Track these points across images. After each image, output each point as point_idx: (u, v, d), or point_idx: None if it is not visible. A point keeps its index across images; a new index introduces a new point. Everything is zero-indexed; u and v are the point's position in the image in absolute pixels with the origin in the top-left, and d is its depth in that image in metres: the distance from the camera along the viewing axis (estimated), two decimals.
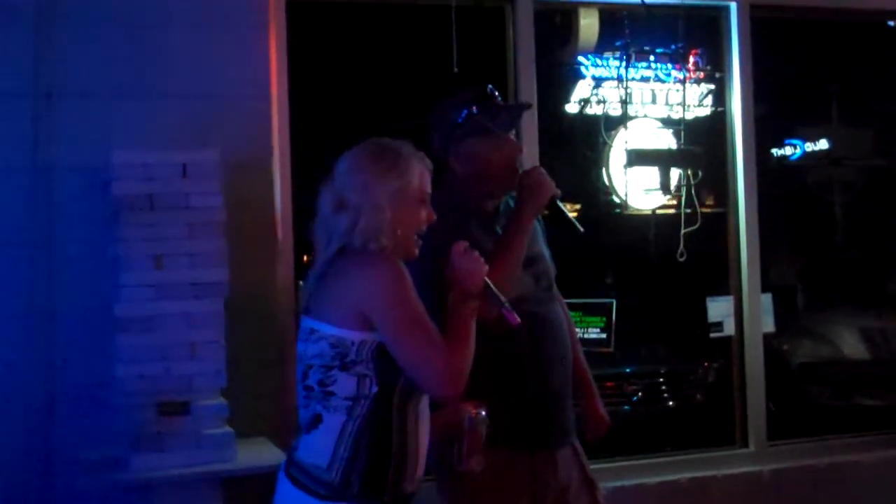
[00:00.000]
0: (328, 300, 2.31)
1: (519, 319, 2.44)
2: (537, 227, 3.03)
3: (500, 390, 2.82)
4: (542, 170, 2.90)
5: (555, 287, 3.09)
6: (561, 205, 2.90)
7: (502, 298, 2.44)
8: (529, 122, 4.16)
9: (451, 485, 2.91)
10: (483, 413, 2.52)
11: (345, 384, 2.28)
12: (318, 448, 2.29)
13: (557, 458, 2.93)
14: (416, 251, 2.42)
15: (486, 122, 2.89)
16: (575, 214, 3.06)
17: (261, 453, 3.31)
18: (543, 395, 2.89)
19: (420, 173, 2.40)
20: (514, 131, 2.98)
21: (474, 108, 2.91)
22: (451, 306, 2.38)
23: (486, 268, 2.42)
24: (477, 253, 2.42)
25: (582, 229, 2.94)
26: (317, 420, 2.30)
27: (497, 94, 2.98)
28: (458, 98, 2.94)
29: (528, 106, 3.36)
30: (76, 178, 3.45)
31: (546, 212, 2.92)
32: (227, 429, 3.28)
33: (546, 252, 3.06)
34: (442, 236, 2.77)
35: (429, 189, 2.43)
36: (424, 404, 2.37)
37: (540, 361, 2.88)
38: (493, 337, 2.77)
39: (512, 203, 2.97)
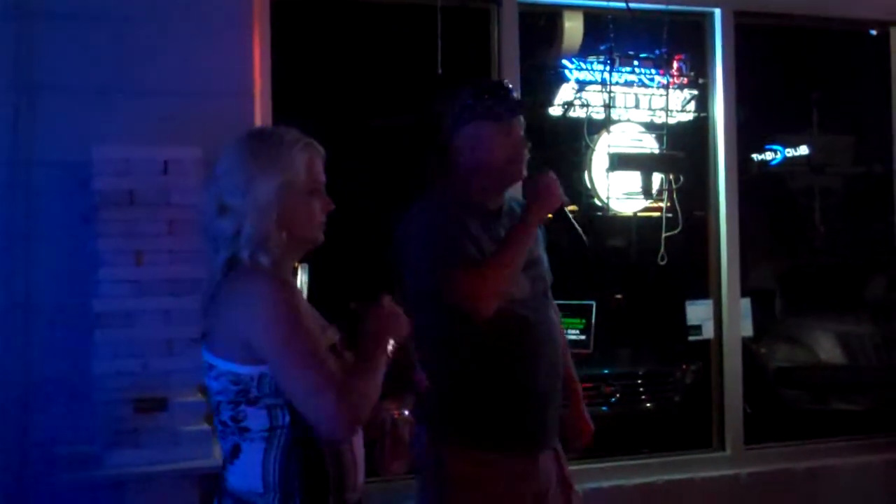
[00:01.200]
0: (218, 330, 2.14)
1: (427, 383, 2.33)
2: (539, 233, 3.04)
3: (488, 394, 2.85)
4: (554, 176, 2.91)
5: (549, 293, 3.10)
6: (569, 214, 2.91)
7: (414, 361, 2.30)
8: None
9: (429, 485, 2.93)
10: (406, 413, 2.36)
11: (256, 419, 2.12)
12: (247, 476, 2.14)
13: (539, 463, 2.94)
14: (321, 236, 2.24)
15: (494, 106, 2.92)
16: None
17: None
18: (531, 401, 2.89)
19: (308, 162, 2.19)
20: (521, 126, 2.98)
21: (482, 94, 2.95)
22: (364, 348, 2.16)
23: (406, 321, 2.23)
24: (401, 312, 2.23)
25: (585, 239, 2.97)
26: (236, 450, 2.16)
27: (511, 88, 3.01)
28: (471, 85, 2.97)
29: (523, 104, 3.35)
30: (56, 173, 3.44)
31: (550, 216, 2.92)
32: (205, 426, 3.27)
33: (545, 258, 3.08)
34: (442, 230, 2.81)
35: (322, 177, 2.23)
36: None
37: (529, 367, 2.88)
38: (483, 340, 2.81)
39: (515, 206, 3.01)
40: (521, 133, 2.97)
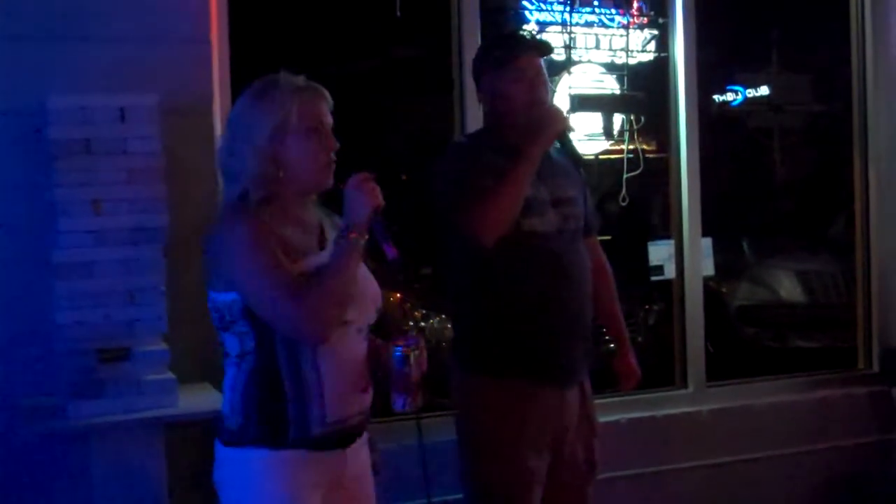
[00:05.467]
0: (209, 263, 2.35)
1: (396, 253, 2.32)
2: (575, 173, 3.15)
3: (514, 325, 2.96)
4: (557, 105, 3.04)
5: (595, 242, 3.29)
6: (570, 139, 3.03)
7: (387, 232, 2.32)
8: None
9: (460, 415, 3.09)
10: (415, 351, 2.40)
11: (231, 344, 2.34)
12: (224, 398, 2.38)
13: (566, 397, 3.05)
14: (329, 180, 2.37)
15: (499, 55, 3.02)
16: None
17: (203, 398, 3.30)
18: (555, 335, 3.00)
19: (303, 103, 2.33)
20: (537, 69, 3.04)
21: (494, 47, 3.09)
22: (335, 239, 2.32)
23: (378, 201, 2.29)
24: (372, 184, 2.30)
25: (584, 164, 3.15)
26: (224, 373, 2.39)
27: (518, 34, 3.07)
28: (488, 39, 3.06)
29: (542, 45, 3.31)
30: (10, 122, 3.36)
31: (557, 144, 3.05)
32: (169, 374, 3.27)
33: (581, 199, 3.16)
34: (463, 164, 2.97)
35: (322, 119, 2.36)
36: (341, 345, 2.31)
37: (556, 301, 2.98)
38: (511, 273, 2.90)
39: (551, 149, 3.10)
40: (536, 75, 3.02)
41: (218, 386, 3.43)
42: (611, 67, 4.83)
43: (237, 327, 2.30)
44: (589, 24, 4.83)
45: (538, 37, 3.19)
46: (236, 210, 2.29)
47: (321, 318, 2.22)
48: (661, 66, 4.79)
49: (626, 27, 4.82)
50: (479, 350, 3.02)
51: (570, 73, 4.70)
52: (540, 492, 3.01)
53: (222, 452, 2.36)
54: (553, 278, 2.97)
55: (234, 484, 2.34)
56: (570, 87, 4.64)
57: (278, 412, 2.28)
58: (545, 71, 3.09)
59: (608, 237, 6.42)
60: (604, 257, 3.37)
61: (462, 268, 3.06)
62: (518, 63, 3.00)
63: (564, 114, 3.01)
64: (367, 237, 2.30)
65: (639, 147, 4.67)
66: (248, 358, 2.31)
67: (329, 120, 2.38)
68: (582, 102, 4.63)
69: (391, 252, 2.31)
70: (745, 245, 7.70)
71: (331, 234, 2.41)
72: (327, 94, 2.40)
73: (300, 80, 2.37)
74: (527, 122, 2.95)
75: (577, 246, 3.09)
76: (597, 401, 4.42)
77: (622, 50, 4.80)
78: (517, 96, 2.99)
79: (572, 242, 3.06)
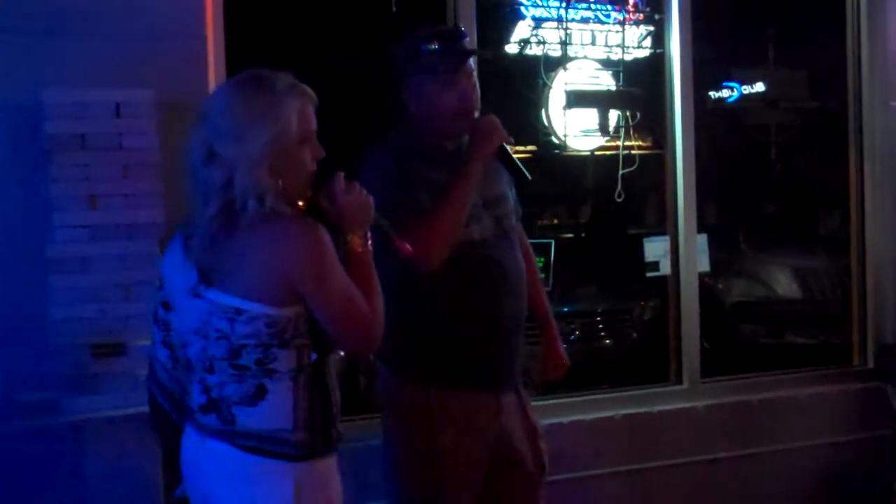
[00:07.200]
0: (246, 272, 2.15)
1: (411, 248, 2.34)
2: (501, 169, 3.00)
3: (449, 331, 2.87)
4: (494, 117, 2.88)
5: (519, 228, 3.13)
6: (510, 151, 2.88)
7: (388, 228, 2.33)
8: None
9: (390, 423, 2.99)
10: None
11: (286, 359, 2.20)
12: (275, 414, 2.22)
13: (502, 403, 2.98)
14: (309, 190, 2.27)
15: (435, 61, 2.87)
16: (520, 156, 3.03)
17: None
18: (492, 339, 2.92)
19: (299, 111, 2.19)
20: (470, 74, 2.92)
21: (424, 46, 2.89)
22: (349, 250, 2.25)
23: (371, 198, 2.29)
24: (357, 184, 2.26)
25: (530, 177, 2.95)
26: (261, 391, 2.22)
27: (460, 34, 2.96)
28: (419, 33, 2.91)
29: (472, 52, 3.19)
30: (5, 117, 3.37)
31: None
32: None
33: (510, 195, 3.05)
34: (395, 180, 2.79)
35: (312, 125, 2.23)
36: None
37: (491, 305, 2.90)
38: (446, 280, 2.82)
39: None
40: (469, 81, 2.91)
41: None
42: (606, 64, 4.85)
43: (298, 341, 2.20)
44: (585, 21, 4.84)
45: (463, 34, 2.99)
46: (293, 217, 2.17)
47: (381, 333, 2.28)
48: (656, 63, 4.79)
49: (622, 23, 4.84)
50: (410, 356, 2.92)
51: (565, 69, 4.70)
52: (470, 499, 2.93)
53: (284, 467, 2.23)
54: (490, 285, 2.89)
55: (312, 494, 2.26)
56: (565, 84, 4.65)
57: (331, 422, 2.30)
58: (473, 70, 2.97)
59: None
60: (527, 242, 3.25)
61: (396, 273, 2.77)
62: (456, 73, 2.88)
63: (499, 125, 2.86)
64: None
65: (634, 143, 4.67)
66: (305, 371, 2.23)
67: (316, 126, 2.26)
68: (577, 99, 4.65)
69: (405, 249, 2.35)
70: (740, 241, 7.72)
71: None
72: (314, 96, 2.27)
73: (294, 81, 2.23)
74: (469, 135, 2.85)
75: (512, 245, 2.99)
76: (591, 397, 4.49)
77: (618, 46, 4.82)
78: (446, 104, 2.87)
79: (507, 243, 2.97)
